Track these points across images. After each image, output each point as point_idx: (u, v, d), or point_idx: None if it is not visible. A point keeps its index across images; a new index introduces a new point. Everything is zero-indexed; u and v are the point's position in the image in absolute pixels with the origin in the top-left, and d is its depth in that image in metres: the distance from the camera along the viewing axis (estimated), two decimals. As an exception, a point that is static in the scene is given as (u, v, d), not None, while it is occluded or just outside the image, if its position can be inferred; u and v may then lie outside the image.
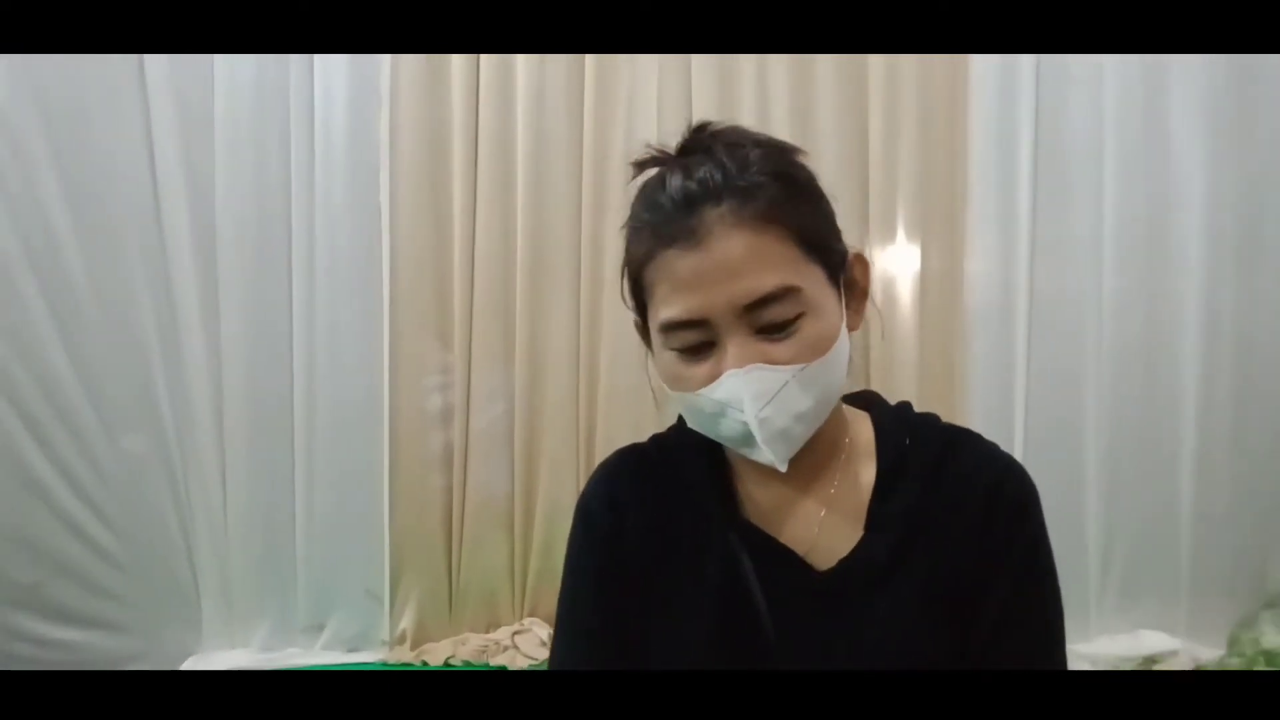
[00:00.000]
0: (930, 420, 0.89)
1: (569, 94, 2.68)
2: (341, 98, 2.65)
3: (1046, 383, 2.55)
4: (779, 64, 2.62)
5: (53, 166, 2.43)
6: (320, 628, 2.74)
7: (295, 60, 2.63)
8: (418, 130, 2.68)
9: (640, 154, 0.82)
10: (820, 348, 0.75)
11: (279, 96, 2.63)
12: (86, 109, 2.49)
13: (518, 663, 2.61)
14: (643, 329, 0.83)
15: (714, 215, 0.73)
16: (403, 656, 2.68)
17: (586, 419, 2.73)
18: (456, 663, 2.64)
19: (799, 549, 0.83)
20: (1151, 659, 2.42)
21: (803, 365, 0.74)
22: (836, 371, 0.78)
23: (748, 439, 0.76)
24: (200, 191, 2.61)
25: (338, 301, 2.68)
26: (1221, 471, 2.49)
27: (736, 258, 0.72)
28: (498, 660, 2.64)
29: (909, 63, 2.59)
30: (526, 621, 2.72)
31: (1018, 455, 2.47)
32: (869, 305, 0.84)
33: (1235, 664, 2.00)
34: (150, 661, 2.58)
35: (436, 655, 2.66)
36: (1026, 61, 2.51)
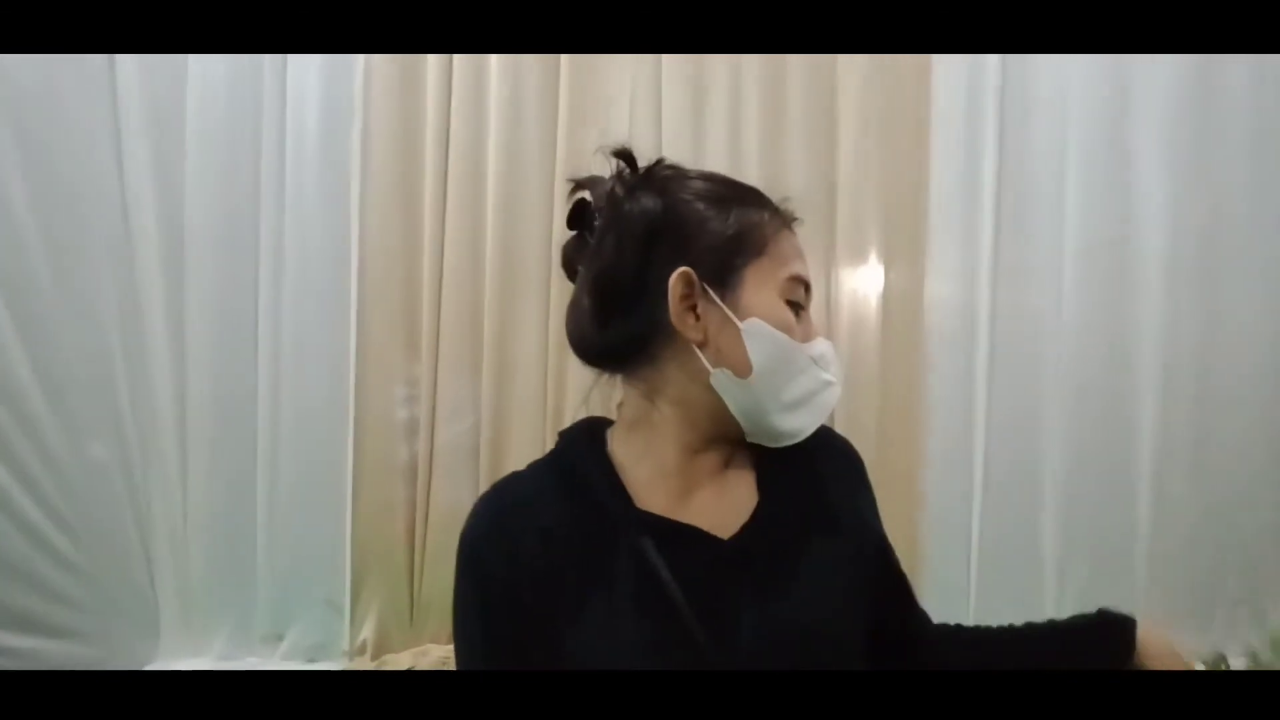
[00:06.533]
0: None
1: (542, 103, 2.69)
2: (314, 102, 2.65)
3: (1007, 402, 2.59)
4: (750, 86, 2.65)
5: (18, 169, 2.40)
6: (279, 637, 2.71)
7: (268, 64, 2.62)
8: (390, 136, 2.67)
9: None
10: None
11: (251, 101, 2.63)
12: (55, 111, 2.46)
13: (480, 674, 2.61)
14: (717, 275, 0.86)
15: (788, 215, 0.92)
16: (363, 667, 2.66)
17: (554, 432, 2.72)
18: (418, 674, 2.64)
19: (702, 525, 0.87)
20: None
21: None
22: None
23: (807, 399, 0.87)
24: (169, 196, 2.59)
25: (304, 309, 2.67)
26: (1180, 493, 2.53)
27: (797, 251, 0.91)
28: (459, 672, 2.63)
29: (875, 86, 2.62)
30: (489, 633, 2.71)
31: (978, 474, 2.58)
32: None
33: None
34: (107, 670, 2.55)
35: (397, 666, 2.65)
36: (990, 85, 2.55)
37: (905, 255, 2.65)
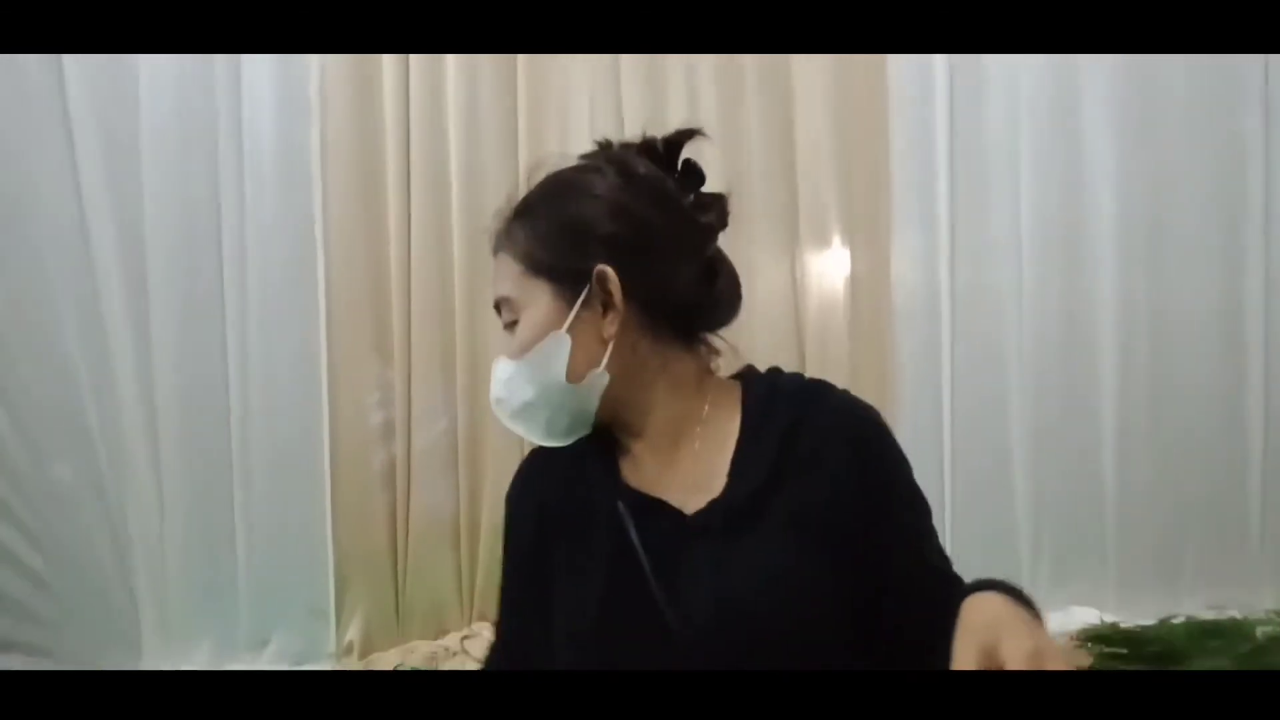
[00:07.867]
0: (794, 379, 1.00)
1: (501, 100, 2.69)
2: (270, 109, 2.63)
3: (972, 375, 2.64)
4: (706, 75, 2.67)
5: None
6: (264, 643, 2.70)
7: (221, 70, 2.59)
8: (349, 140, 2.66)
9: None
10: (524, 348, 0.93)
11: (206, 109, 2.60)
12: (6, 133, 2.44)
13: (467, 667, 2.62)
14: None
15: (499, 236, 1.00)
16: (350, 666, 2.66)
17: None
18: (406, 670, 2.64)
19: (674, 500, 0.93)
20: (1084, 633, 2.53)
21: (516, 361, 0.94)
22: (549, 369, 0.92)
23: None
24: (127, 212, 2.57)
25: (272, 317, 2.65)
26: (1140, 454, 2.62)
27: (495, 274, 0.99)
28: (447, 666, 2.64)
29: (831, 72, 2.65)
30: (475, 626, 2.72)
31: (946, 443, 2.58)
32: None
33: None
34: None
35: (384, 664, 2.65)
36: (940, 66, 2.60)
37: (869, 237, 2.69)
